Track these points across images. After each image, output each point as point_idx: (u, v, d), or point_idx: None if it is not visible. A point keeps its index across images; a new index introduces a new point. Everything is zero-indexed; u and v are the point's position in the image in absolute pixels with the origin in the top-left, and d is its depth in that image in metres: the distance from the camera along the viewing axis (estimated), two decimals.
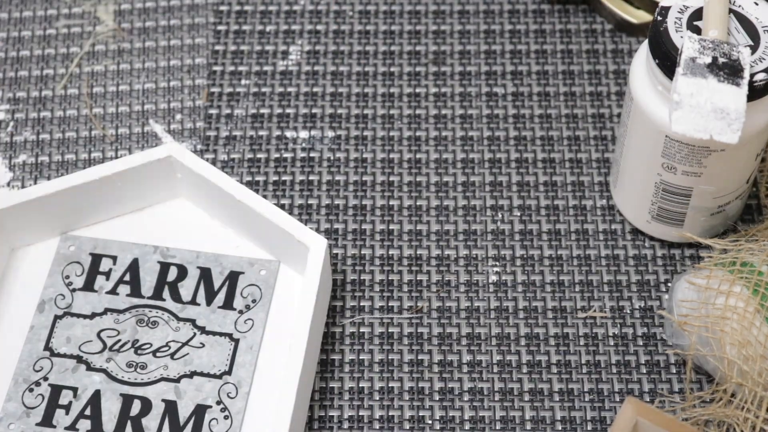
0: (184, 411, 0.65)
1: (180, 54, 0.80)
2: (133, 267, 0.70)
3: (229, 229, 0.71)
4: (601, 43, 0.80)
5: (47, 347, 0.67)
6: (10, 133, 0.77)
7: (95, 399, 0.66)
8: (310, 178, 0.75)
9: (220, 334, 0.68)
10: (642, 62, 0.66)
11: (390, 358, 0.68)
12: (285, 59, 0.80)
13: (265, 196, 0.73)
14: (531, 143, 0.76)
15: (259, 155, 0.76)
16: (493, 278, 0.71)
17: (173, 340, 0.67)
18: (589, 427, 0.66)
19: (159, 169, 0.70)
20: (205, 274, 0.69)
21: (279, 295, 0.69)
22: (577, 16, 0.82)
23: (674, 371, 0.68)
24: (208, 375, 0.66)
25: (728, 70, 0.62)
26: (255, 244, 0.70)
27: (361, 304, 0.70)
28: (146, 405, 0.65)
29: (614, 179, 0.72)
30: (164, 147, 0.71)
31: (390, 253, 0.72)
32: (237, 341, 0.67)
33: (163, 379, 0.66)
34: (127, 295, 0.69)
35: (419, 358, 0.68)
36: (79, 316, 0.68)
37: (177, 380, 0.66)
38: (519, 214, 0.73)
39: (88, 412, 0.65)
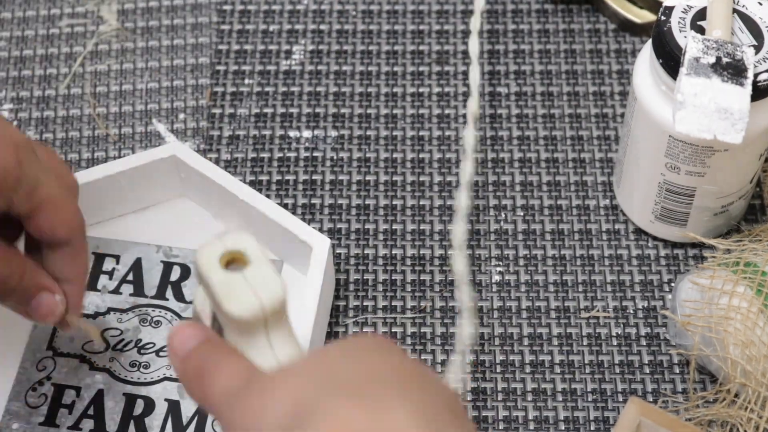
0: (187, 411, 0.65)
1: (183, 53, 0.80)
2: (136, 266, 0.70)
3: (232, 228, 0.71)
4: (604, 42, 0.80)
5: (50, 346, 0.67)
6: None
7: (98, 398, 0.66)
8: (314, 177, 0.75)
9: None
10: (645, 62, 0.66)
11: None
12: (288, 59, 0.80)
13: (268, 196, 0.73)
14: (534, 143, 0.76)
15: (262, 155, 0.76)
16: (497, 278, 0.71)
17: None
18: (592, 427, 0.66)
19: (162, 168, 0.70)
20: None
21: None
22: (581, 16, 0.82)
23: (677, 371, 0.68)
24: None
25: (732, 69, 0.61)
26: (258, 243, 0.70)
27: (365, 303, 0.70)
28: (149, 405, 0.65)
29: (617, 179, 0.72)
30: (167, 146, 0.71)
31: (393, 252, 0.72)
32: None
33: (166, 378, 0.66)
34: (130, 295, 0.69)
35: (423, 357, 0.68)
36: (82, 315, 0.68)
37: None
38: (522, 213, 0.73)
39: (91, 411, 0.65)
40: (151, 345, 0.67)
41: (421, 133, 0.77)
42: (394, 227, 0.73)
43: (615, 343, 0.68)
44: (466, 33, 0.81)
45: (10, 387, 0.66)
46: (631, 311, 0.70)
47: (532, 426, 0.66)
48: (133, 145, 0.76)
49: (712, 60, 0.62)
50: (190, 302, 0.68)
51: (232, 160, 0.76)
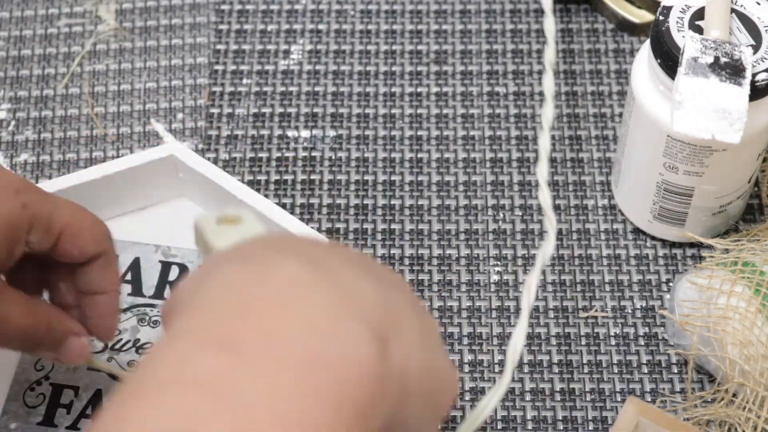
0: None
1: (181, 53, 0.80)
2: (135, 266, 0.70)
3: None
4: (602, 42, 0.80)
5: None
6: (12, 132, 0.77)
7: (96, 398, 0.65)
8: (312, 177, 0.75)
9: None
10: (644, 62, 0.66)
11: None
12: (286, 58, 0.80)
13: (266, 196, 0.73)
14: (533, 143, 0.76)
15: (260, 155, 0.76)
16: (495, 278, 0.71)
17: None
18: (590, 427, 0.66)
19: (160, 168, 0.70)
20: None
21: None
22: (579, 16, 0.82)
23: (676, 371, 0.68)
24: None
25: (730, 69, 0.61)
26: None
27: None
28: None
29: (616, 179, 0.72)
30: (166, 146, 0.71)
31: (392, 252, 0.72)
32: None
33: None
34: (129, 294, 0.69)
35: None
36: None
37: None
38: (521, 213, 0.73)
39: (89, 411, 0.65)
40: (150, 345, 0.67)
41: (419, 133, 0.77)
42: (392, 227, 0.73)
43: (613, 342, 0.68)
44: (465, 33, 0.81)
45: (8, 387, 0.66)
46: (630, 311, 0.70)
47: (530, 426, 0.66)
48: (131, 145, 0.76)
49: (711, 60, 0.62)
50: None
51: (230, 159, 0.76)
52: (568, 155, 0.76)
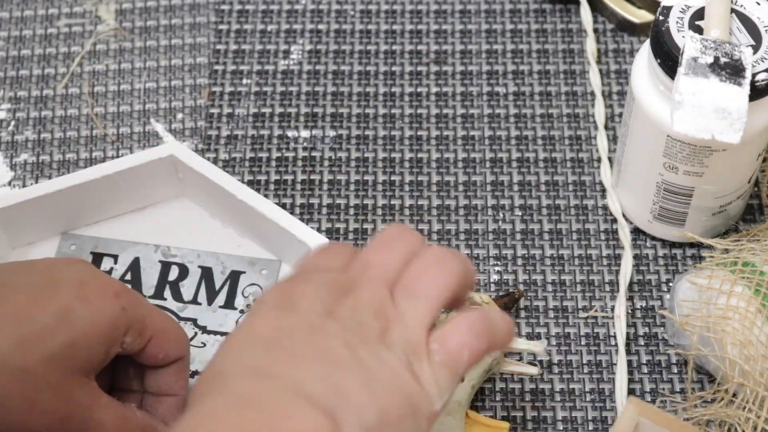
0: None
1: (181, 53, 0.80)
2: (135, 266, 0.70)
3: (230, 228, 0.71)
4: (602, 42, 0.80)
5: None
6: (12, 132, 0.77)
7: None
8: (312, 177, 0.75)
9: (222, 334, 0.68)
10: (644, 62, 0.66)
11: None
12: (286, 58, 0.80)
13: (266, 196, 0.73)
14: (533, 143, 0.76)
15: (260, 155, 0.76)
16: (495, 278, 0.71)
17: None
18: (590, 427, 0.66)
19: (160, 168, 0.70)
20: (207, 274, 0.69)
21: None
22: (579, 16, 0.82)
23: (676, 371, 0.68)
24: None
25: (730, 69, 0.61)
26: (256, 243, 0.70)
27: None
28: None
29: (616, 179, 0.72)
30: (165, 146, 0.71)
31: None
32: None
33: None
34: None
35: None
36: None
37: None
38: (520, 213, 0.73)
39: None
40: None
41: (419, 133, 0.77)
42: None
43: (613, 342, 0.68)
44: (465, 33, 0.81)
45: None
46: (630, 311, 0.70)
47: (530, 426, 0.66)
48: (131, 145, 0.76)
49: (710, 60, 0.62)
50: (188, 302, 0.69)
51: (230, 159, 0.76)
52: (568, 155, 0.76)
